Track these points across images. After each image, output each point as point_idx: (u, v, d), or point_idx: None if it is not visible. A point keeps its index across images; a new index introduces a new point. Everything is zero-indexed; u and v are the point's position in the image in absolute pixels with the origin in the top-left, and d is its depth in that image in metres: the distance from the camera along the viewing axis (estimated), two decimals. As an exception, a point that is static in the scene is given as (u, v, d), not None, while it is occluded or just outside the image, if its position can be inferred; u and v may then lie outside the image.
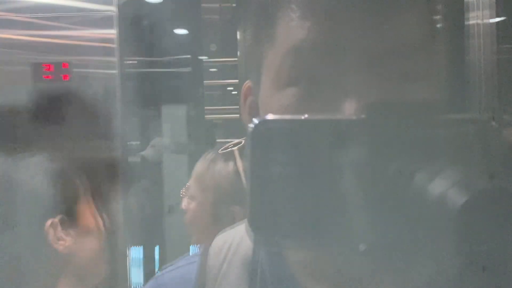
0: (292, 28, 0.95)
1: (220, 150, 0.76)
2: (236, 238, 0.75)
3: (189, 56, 0.76)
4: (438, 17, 0.53)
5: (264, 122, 0.79)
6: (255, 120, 0.74)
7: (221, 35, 0.73)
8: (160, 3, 0.77)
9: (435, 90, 0.47)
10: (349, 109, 0.57)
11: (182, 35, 0.76)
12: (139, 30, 0.75)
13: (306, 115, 0.82)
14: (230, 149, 0.76)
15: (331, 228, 0.40)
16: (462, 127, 0.36)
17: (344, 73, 0.54)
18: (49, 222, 0.75)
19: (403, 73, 0.44)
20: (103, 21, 0.77)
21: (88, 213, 0.76)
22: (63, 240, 0.76)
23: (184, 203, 0.81)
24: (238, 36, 0.78)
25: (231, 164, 0.76)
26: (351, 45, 0.68)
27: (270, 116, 0.80)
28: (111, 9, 0.77)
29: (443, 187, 0.37)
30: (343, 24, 0.55)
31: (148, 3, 0.77)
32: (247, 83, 0.74)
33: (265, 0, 0.82)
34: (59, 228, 0.75)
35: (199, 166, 0.79)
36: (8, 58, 0.80)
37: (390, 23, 0.45)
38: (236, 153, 0.76)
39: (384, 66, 0.44)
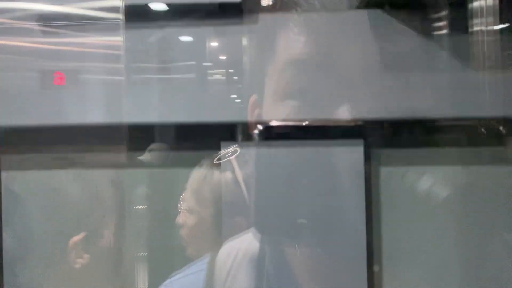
0: (288, 45, 0.98)
1: (215, 160, 0.76)
2: (242, 247, 0.76)
3: (193, 62, 0.77)
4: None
5: (267, 128, 0.82)
6: (259, 126, 0.77)
7: (225, 43, 0.74)
8: (166, 11, 0.79)
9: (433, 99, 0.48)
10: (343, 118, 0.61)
11: (187, 42, 0.77)
12: (145, 37, 0.77)
13: (306, 122, 0.84)
14: (227, 158, 0.75)
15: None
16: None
17: (339, 87, 0.58)
18: (73, 239, 0.77)
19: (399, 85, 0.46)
20: (110, 29, 0.78)
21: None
22: (82, 259, 0.77)
23: (182, 218, 0.80)
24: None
25: (229, 174, 0.75)
26: (346, 60, 0.70)
27: (273, 123, 0.83)
28: (118, 17, 0.78)
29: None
30: (337, 41, 0.59)
31: (154, 11, 0.79)
32: (254, 96, 0.76)
33: (266, 16, 0.83)
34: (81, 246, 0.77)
35: (195, 178, 0.79)
36: (18, 65, 0.81)
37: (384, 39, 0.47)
38: (234, 162, 0.76)
39: (380, 80, 0.46)
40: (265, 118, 0.58)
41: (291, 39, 0.71)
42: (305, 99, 0.69)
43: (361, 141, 0.75)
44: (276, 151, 0.73)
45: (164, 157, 0.78)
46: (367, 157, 0.77)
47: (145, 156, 0.77)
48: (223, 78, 0.82)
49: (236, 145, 0.76)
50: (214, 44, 0.81)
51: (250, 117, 0.77)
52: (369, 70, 0.75)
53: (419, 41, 0.74)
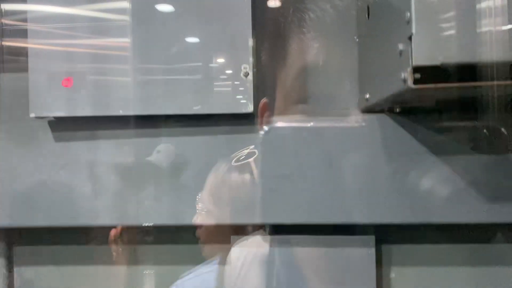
0: (302, 52, 1.02)
1: (233, 161, 0.77)
2: (252, 247, 0.77)
3: (200, 63, 0.77)
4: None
5: (273, 129, 0.86)
6: (266, 128, 0.80)
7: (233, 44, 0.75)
8: (172, 12, 0.79)
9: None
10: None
11: (193, 43, 0.78)
12: (152, 39, 0.77)
13: (311, 123, 0.89)
14: (245, 160, 0.76)
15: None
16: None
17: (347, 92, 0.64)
18: (113, 231, 0.80)
19: None
20: (117, 30, 0.78)
21: None
22: (116, 252, 0.80)
23: (199, 218, 0.82)
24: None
25: (247, 176, 0.76)
26: (354, 67, 0.75)
27: (279, 124, 0.87)
28: (125, 18, 0.79)
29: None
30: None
31: (161, 12, 0.79)
32: (264, 99, 0.78)
33: (279, 23, 0.87)
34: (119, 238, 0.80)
35: (213, 179, 0.79)
36: (27, 66, 0.82)
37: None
38: (253, 165, 0.77)
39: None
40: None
41: (300, 146, 0.78)
42: (313, 204, 0.73)
43: (372, 238, 0.79)
44: (289, 240, 0.77)
45: (171, 158, 0.79)
46: (379, 253, 0.80)
47: (153, 157, 0.78)
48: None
49: (253, 146, 0.78)
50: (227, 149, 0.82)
51: (261, 121, 0.78)
52: (378, 176, 0.80)
53: (426, 145, 0.77)
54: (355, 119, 0.80)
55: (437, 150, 0.77)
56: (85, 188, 0.82)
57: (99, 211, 0.82)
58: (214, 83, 0.77)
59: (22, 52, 0.84)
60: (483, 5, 0.57)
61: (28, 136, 0.83)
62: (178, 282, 0.79)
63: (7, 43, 0.86)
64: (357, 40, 0.90)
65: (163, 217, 0.82)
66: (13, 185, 0.83)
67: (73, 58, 0.78)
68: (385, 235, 0.82)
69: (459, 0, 0.56)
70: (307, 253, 0.77)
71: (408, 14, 0.57)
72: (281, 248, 0.79)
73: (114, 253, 0.84)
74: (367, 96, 0.81)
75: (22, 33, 0.81)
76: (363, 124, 0.80)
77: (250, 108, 0.77)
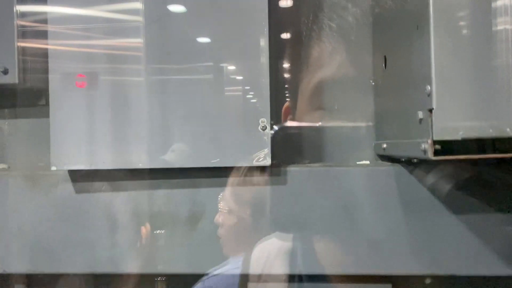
0: (323, 62, 1.05)
1: (254, 161, 0.78)
2: (274, 246, 0.79)
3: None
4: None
5: (282, 128, 0.89)
6: (275, 127, 0.83)
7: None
8: (184, 13, 0.80)
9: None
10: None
11: (205, 43, 0.78)
12: (164, 39, 0.79)
13: (319, 123, 0.92)
14: (264, 161, 0.77)
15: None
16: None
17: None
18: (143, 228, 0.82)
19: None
20: (130, 31, 0.80)
21: None
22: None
23: (222, 217, 0.83)
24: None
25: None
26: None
27: (288, 123, 0.91)
28: (138, 19, 0.80)
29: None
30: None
31: (173, 13, 0.80)
32: (287, 103, 0.82)
33: (300, 30, 0.92)
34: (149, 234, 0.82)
35: (234, 178, 0.80)
36: (44, 67, 0.84)
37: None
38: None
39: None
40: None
41: (316, 193, 0.80)
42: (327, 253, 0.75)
43: (389, 286, 0.80)
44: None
45: (184, 157, 0.80)
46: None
47: (168, 156, 0.78)
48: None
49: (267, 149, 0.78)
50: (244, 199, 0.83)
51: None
52: (394, 226, 0.81)
53: (442, 198, 0.77)
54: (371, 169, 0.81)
55: (452, 203, 0.77)
56: (103, 237, 0.83)
57: (117, 259, 0.83)
58: (232, 136, 0.78)
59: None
60: (500, 79, 0.57)
61: (49, 185, 0.85)
62: (204, 278, 0.81)
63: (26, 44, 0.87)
64: (373, 83, 0.90)
65: (181, 265, 0.83)
66: (34, 233, 0.84)
67: (95, 100, 0.80)
68: (404, 282, 0.83)
69: (480, 75, 0.57)
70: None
71: (429, 87, 0.57)
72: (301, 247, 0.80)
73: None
74: (384, 146, 0.82)
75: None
76: (379, 173, 0.80)
77: (267, 162, 0.78)
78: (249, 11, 0.79)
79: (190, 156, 0.79)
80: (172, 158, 0.79)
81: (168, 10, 0.80)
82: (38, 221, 0.85)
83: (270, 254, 0.82)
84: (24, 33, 0.88)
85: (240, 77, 0.79)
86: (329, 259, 0.77)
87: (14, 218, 0.86)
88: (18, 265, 0.86)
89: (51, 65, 0.81)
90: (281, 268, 0.81)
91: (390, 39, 0.79)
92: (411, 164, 0.80)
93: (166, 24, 0.80)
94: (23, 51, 0.87)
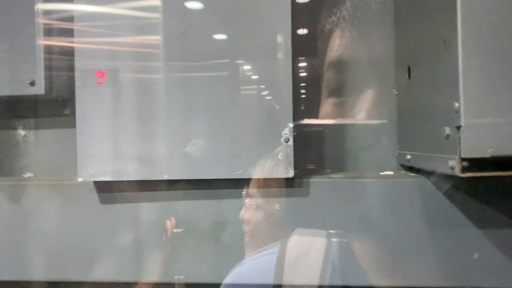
0: (333, 45, 1.05)
1: (280, 155, 0.78)
2: (308, 237, 0.80)
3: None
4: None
5: (297, 126, 0.88)
6: (290, 124, 0.83)
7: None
8: (201, 9, 0.81)
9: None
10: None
11: (222, 40, 0.79)
12: (182, 36, 0.79)
13: (334, 120, 0.92)
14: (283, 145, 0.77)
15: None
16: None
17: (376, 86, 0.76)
18: (168, 221, 0.82)
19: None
20: (149, 28, 0.81)
21: None
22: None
23: (247, 213, 0.83)
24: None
25: (272, 156, 0.77)
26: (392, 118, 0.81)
27: (304, 121, 0.91)
28: (157, 16, 0.80)
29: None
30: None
31: (191, 10, 0.80)
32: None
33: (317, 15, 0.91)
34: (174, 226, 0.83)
35: (259, 172, 0.79)
36: (66, 65, 0.86)
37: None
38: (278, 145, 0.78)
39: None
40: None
41: (338, 205, 0.80)
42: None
43: None
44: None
45: (204, 151, 0.80)
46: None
47: (188, 149, 0.79)
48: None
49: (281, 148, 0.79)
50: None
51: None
52: (417, 240, 0.80)
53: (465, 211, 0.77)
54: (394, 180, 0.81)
55: (478, 217, 0.76)
56: (128, 246, 0.84)
57: (141, 269, 0.85)
58: (255, 148, 0.78)
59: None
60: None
61: (75, 196, 0.86)
62: (243, 261, 0.82)
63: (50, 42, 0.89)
64: (396, 92, 0.90)
65: (203, 275, 0.83)
66: (60, 241, 0.86)
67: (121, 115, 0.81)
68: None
69: (508, 92, 0.56)
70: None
71: (457, 104, 0.57)
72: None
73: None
74: (409, 157, 0.81)
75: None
76: (403, 185, 0.80)
77: (290, 174, 0.78)
78: (271, 7, 0.79)
79: (213, 167, 0.79)
80: (192, 151, 0.79)
81: (186, 7, 0.80)
82: (63, 229, 0.86)
83: (305, 240, 0.82)
84: (49, 32, 0.89)
85: (263, 86, 0.79)
86: (352, 271, 0.77)
87: (40, 227, 0.87)
88: (44, 273, 0.88)
89: (77, 63, 0.82)
90: (318, 253, 0.81)
91: (414, 50, 0.78)
92: (436, 175, 0.79)
93: (185, 21, 0.80)
94: (49, 62, 0.89)
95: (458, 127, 0.57)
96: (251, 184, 0.81)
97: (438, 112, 0.65)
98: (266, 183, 0.80)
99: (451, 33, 0.58)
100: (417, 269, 0.77)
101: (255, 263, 0.82)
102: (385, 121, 0.91)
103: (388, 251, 0.78)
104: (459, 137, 0.57)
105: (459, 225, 0.77)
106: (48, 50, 0.88)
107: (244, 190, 0.82)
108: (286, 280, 0.80)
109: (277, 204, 0.82)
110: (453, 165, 0.58)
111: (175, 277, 0.85)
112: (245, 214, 0.83)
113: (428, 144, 0.71)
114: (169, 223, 0.84)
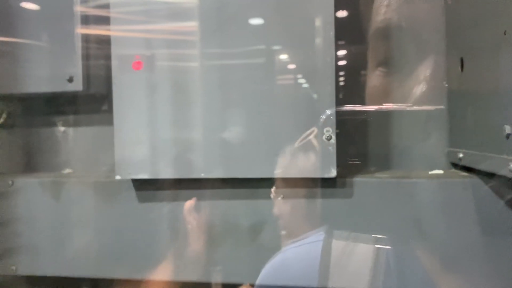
0: (378, 10, 0.99)
1: (297, 143, 0.75)
2: (349, 239, 0.76)
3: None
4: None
5: (329, 115, 0.83)
6: (328, 111, 0.78)
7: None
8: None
9: None
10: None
11: (259, 26, 0.75)
12: (219, 22, 0.76)
13: (371, 107, 0.86)
14: (307, 139, 0.74)
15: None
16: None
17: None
18: (188, 204, 0.81)
19: None
20: (185, 14, 0.78)
21: None
22: (190, 224, 0.81)
23: (277, 208, 0.80)
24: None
25: (312, 155, 0.74)
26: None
27: (346, 107, 0.84)
28: (194, 1, 0.78)
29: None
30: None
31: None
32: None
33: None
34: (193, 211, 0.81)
35: (282, 163, 0.76)
36: (103, 60, 0.85)
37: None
38: (315, 142, 0.74)
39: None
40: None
41: (384, 207, 0.76)
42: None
43: None
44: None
45: (241, 137, 0.77)
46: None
47: (225, 135, 0.76)
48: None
49: (314, 127, 0.75)
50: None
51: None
52: (468, 245, 0.75)
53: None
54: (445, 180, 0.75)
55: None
56: (164, 245, 0.84)
57: (180, 267, 0.83)
58: (296, 147, 0.75)
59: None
60: None
61: (113, 193, 0.86)
62: (286, 248, 0.80)
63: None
64: (446, 85, 0.84)
65: (241, 275, 0.81)
66: (100, 240, 0.86)
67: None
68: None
69: None
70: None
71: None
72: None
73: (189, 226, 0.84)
74: (461, 155, 0.76)
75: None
76: (454, 186, 0.74)
77: (333, 173, 0.74)
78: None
79: (250, 166, 0.76)
80: (230, 137, 0.77)
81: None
82: (102, 227, 0.86)
83: (350, 248, 0.78)
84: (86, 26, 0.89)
85: (302, 78, 0.75)
86: (400, 277, 0.73)
87: (78, 224, 0.88)
88: (83, 270, 0.88)
89: (114, 50, 0.81)
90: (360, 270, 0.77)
91: (468, 40, 0.72)
92: (491, 175, 0.73)
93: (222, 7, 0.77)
94: (87, 60, 0.88)
95: (522, 128, 0.52)
96: (291, 183, 0.78)
97: (496, 109, 0.60)
98: (306, 183, 0.77)
99: (514, 22, 0.52)
100: (471, 277, 0.72)
101: (298, 251, 0.79)
102: (435, 115, 0.85)
103: (440, 258, 0.73)
104: (523, 139, 0.52)
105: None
106: (86, 47, 0.88)
107: (283, 190, 0.79)
108: (332, 278, 0.76)
109: (318, 206, 0.78)
110: (515, 169, 0.53)
111: (214, 269, 0.83)
112: (283, 215, 0.80)
113: (484, 143, 0.65)
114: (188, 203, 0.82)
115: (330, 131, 0.74)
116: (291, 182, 0.78)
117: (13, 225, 0.89)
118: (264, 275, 0.78)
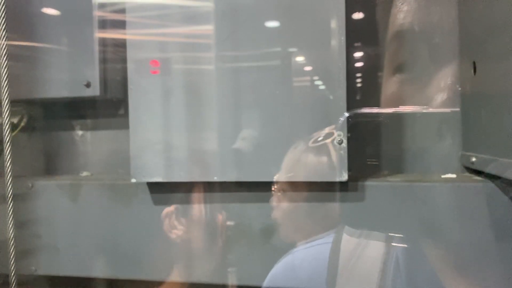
0: (395, 15, 0.98)
1: (310, 142, 0.75)
2: (360, 239, 0.76)
3: (279, 49, 0.76)
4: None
5: (354, 115, 0.83)
6: (346, 114, 0.78)
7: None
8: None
9: None
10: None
11: (274, 28, 0.76)
12: (234, 25, 0.77)
13: (390, 109, 0.86)
14: (322, 142, 0.74)
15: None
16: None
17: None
18: (165, 210, 0.82)
19: None
20: (201, 17, 0.79)
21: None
22: (176, 229, 0.83)
23: (275, 200, 0.81)
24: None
25: (324, 158, 0.74)
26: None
27: (359, 110, 0.85)
28: (209, 5, 0.79)
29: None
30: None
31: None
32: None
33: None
34: (174, 217, 0.82)
35: (290, 159, 0.76)
36: (120, 66, 0.87)
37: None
38: (330, 146, 0.74)
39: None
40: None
41: (396, 211, 0.76)
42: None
43: None
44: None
45: (255, 144, 0.78)
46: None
47: (238, 144, 0.77)
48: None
49: (333, 126, 0.75)
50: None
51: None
52: (482, 250, 0.75)
53: None
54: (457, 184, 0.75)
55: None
56: (180, 246, 0.85)
57: (194, 268, 0.85)
58: (307, 151, 0.75)
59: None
60: None
61: (129, 196, 0.87)
62: (295, 250, 0.80)
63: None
64: (459, 89, 0.83)
65: (255, 277, 0.82)
66: (117, 241, 0.88)
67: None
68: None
69: None
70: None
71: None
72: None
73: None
74: (474, 159, 0.75)
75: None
76: (468, 190, 0.74)
77: (344, 177, 0.74)
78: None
79: (263, 169, 0.77)
80: (243, 146, 0.78)
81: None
82: (118, 229, 0.88)
83: (359, 249, 0.78)
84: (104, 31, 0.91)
85: (317, 81, 0.76)
86: (410, 281, 0.73)
87: (96, 225, 0.90)
88: (100, 270, 0.90)
89: (130, 55, 0.82)
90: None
91: (481, 43, 0.72)
92: (505, 181, 0.73)
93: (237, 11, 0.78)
94: (104, 65, 0.90)
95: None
96: (303, 187, 0.78)
97: (509, 112, 0.59)
98: (318, 187, 0.77)
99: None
100: (483, 282, 0.71)
101: (308, 252, 0.80)
102: (448, 118, 0.85)
103: (452, 262, 0.73)
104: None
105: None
106: (103, 50, 0.90)
107: (295, 193, 0.80)
108: (340, 280, 0.77)
109: (330, 209, 0.78)
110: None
111: (228, 269, 0.84)
112: (274, 201, 0.81)
113: (498, 147, 0.65)
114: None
115: (341, 135, 0.74)
116: (303, 186, 0.78)
117: (33, 227, 0.92)
118: (272, 276, 0.78)
